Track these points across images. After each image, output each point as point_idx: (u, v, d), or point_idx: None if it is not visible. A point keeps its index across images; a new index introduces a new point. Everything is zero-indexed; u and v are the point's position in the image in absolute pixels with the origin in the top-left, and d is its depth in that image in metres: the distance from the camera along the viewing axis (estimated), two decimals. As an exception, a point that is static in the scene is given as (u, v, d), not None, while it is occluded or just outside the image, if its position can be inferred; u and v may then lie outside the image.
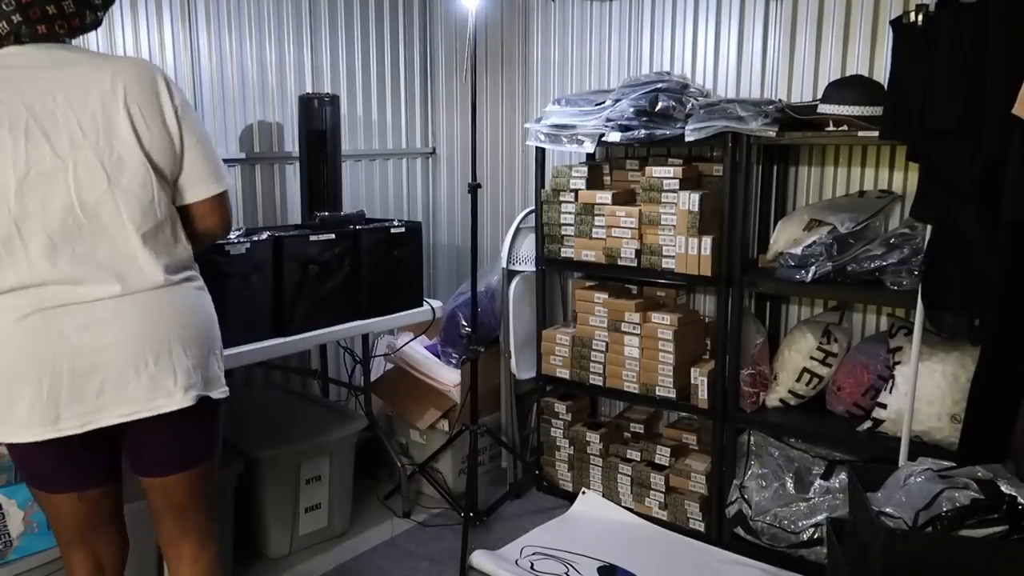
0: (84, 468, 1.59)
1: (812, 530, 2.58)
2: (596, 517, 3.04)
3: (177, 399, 1.54)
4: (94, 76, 1.51)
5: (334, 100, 2.96)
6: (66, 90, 1.49)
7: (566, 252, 3.06)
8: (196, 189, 1.63)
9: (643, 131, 2.75)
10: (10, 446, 1.53)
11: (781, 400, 2.77)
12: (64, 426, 1.47)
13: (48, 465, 1.56)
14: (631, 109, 2.78)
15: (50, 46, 1.53)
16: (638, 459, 3.05)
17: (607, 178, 3.18)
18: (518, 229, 3.29)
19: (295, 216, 3.23)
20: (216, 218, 1.68)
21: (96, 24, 1.59)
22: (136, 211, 1.52)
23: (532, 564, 2.71)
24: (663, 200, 2.82)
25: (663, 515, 2.97)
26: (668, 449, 3.00)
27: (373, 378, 3.29)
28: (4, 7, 1.46)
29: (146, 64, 1.60)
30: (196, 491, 1.70)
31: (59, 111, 1.47)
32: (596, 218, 2.96)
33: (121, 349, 1.49)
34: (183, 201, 1.62)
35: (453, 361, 3.24)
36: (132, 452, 1.64)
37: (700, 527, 2.88)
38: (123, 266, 1.50)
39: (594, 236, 2.98)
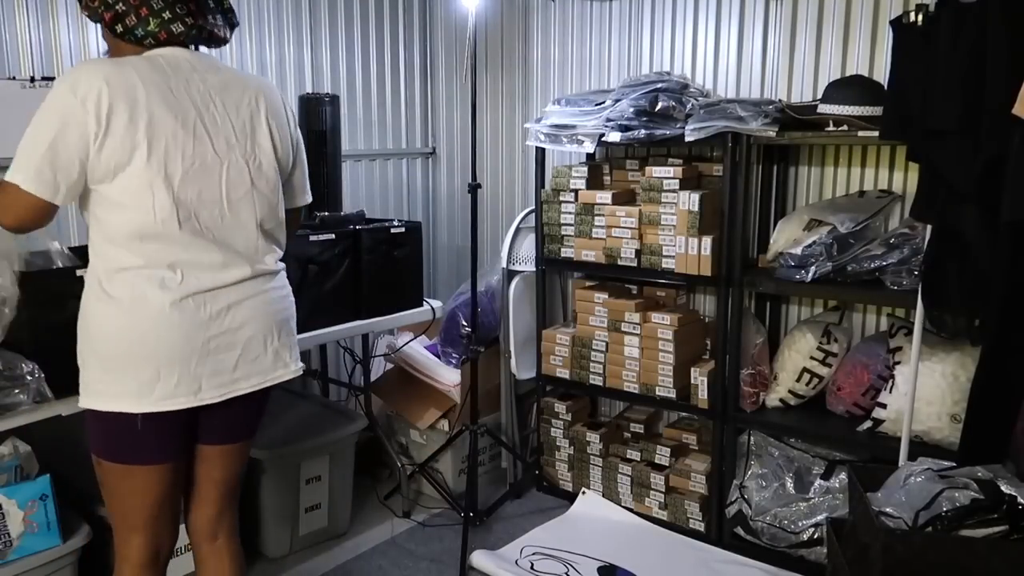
0: (179, 440, 1.70)
1: (812, 530, 2.58)
2: (596, 517, 3.04)
3: (292, 369, 1.79)
4: (242, 88, 1.71)
5: (334, 100, 2.96)
6: (223, 96, 1.66)
7: (566, 252, 3.06)
8: (293, 199, 1.89)
9: (643, 131, 2.75)
10: (132, 418, 1.60)
11: (781, 400, 2.77)
12: (205, 396, 1.64)
13: (158, 436, 1.65)
14: (631, 109, 2.78)
15: (198, 53, 1.71)
16: (638, 459, 3.05)
17: (607, 178, 3.18)
18: (518, 229, 3.29)
19: (295, 216, 3.23)
20: (297, 223, 2.00)
21: (226, 42, 1.77)
22: (266, 210, 1.73)
23: (532, 564, 2.71)
24: (663, 200, 2.82)
25: (663, 515, 2.97)
26: (668, 449, 3.00)
27: (373, 378, 3.29)
28: (178, 10, 1.61)
29: (274, 86, 1.83)
30: (244, 463, 1.88)
31: (218, 115, 1.65)
32: (596, 218, 2.96)
33: (254, 327, 1.70)
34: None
35: (453, 361, 3.24)
36: (214, 421, 1.74)
37: (700, 527, 2.88)
38: (251, 254, 1.70)
39: (594, 236, 2.98)
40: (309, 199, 1.96)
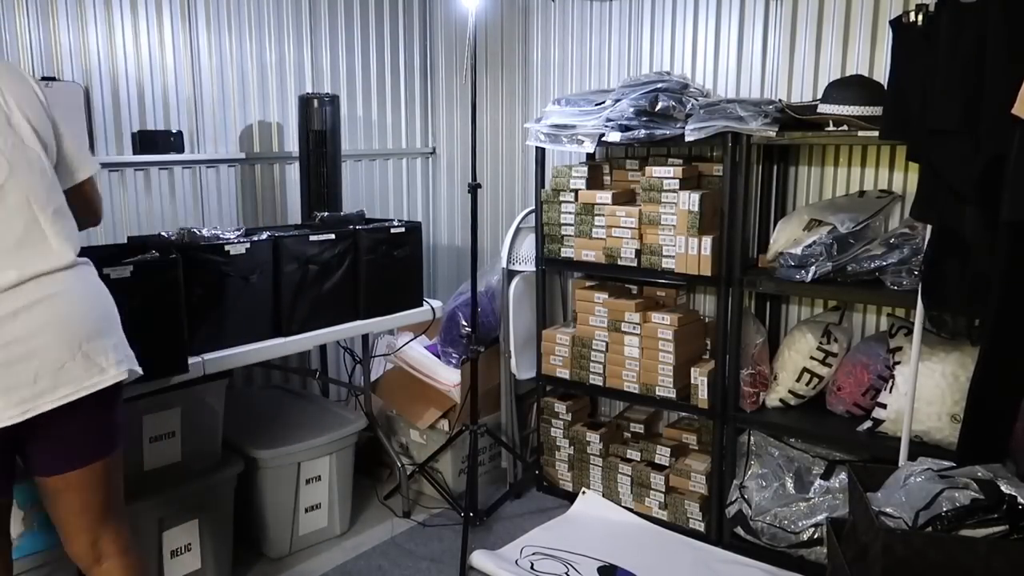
0: None
1: (812, 530, 2.58)
2: (596, 517, 3.04)
3: (112, 374, 1.55)
4: None
5: (334, 100, 2.96)
6: None
7: (566, 252, 3.06)
8: (73, 174, 1.67)
9: (643, 131, 2.75)
10: None
11: (781, 400, 2.77)
12: (2, 416, 1.44)
13: None
14: (631, 109, 2.78)
15: None
16: (638, 459, 3.05)
17: (607, 178, 3.18)
18: (518, 229, 3.29)
19: (295, 216, 3.24)
20: (91, 201, 1.75)
21: None
22: (41, 194, 1.53)
23: (532, 564, 2.71)
24: (663, 200, 2.82)
25: (663, 515, 2.97)
26: (668, 449, 3.00)
27: (373, 378, 3.29)
28: None
29: (6, 59, 1.61)
30: (108, 483, 1.64)
31: None
32: (596, 218, 2.97)
33: (52, 332, 1.48)
34: (64, 185, 1.65)
35: (453, 361, 3.24)
36: (45, 447, 1.55)
37: (700, 527, 2.88)
38: (38, 248, 1.50)
39: (594, 236, 2.98)
40: (95, 167, 1.74)
